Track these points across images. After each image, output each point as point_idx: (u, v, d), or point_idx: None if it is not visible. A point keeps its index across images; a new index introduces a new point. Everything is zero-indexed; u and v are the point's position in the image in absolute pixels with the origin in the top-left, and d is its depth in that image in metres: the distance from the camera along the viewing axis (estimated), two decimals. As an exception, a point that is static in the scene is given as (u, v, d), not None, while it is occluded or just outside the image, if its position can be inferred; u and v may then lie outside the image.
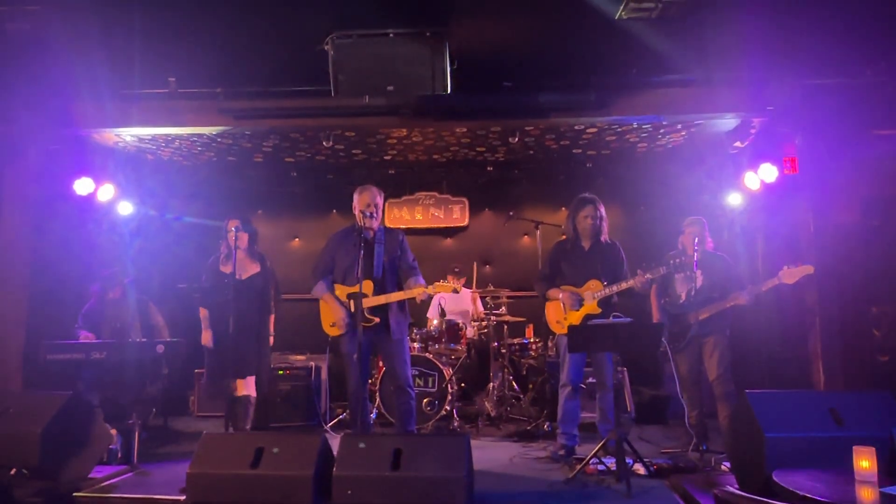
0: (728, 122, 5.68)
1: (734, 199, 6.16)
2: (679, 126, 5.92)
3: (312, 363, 6.16)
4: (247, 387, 4.71)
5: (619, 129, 6.08)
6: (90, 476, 3.93)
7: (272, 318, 5.06)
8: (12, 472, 3.74)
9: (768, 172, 5.43)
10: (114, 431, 4.37)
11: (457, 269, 6.73)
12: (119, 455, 4.39)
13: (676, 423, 5.59)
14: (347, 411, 5.46)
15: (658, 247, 5.41)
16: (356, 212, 4.41)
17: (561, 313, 4.71)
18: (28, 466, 3.72)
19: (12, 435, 3.72)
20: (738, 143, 5.84)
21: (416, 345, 6.02)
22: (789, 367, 5.54)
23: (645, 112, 5.46)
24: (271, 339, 5.06)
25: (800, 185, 5.38)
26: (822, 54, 5.02)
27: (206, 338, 4.83)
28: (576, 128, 6.04)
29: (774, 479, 2.70)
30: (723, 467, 4.16)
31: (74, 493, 3.66)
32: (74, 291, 5.73)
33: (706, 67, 5.14)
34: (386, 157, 7.13)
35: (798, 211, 5.48)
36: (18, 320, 5.37)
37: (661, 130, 6.09)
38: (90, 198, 5.92)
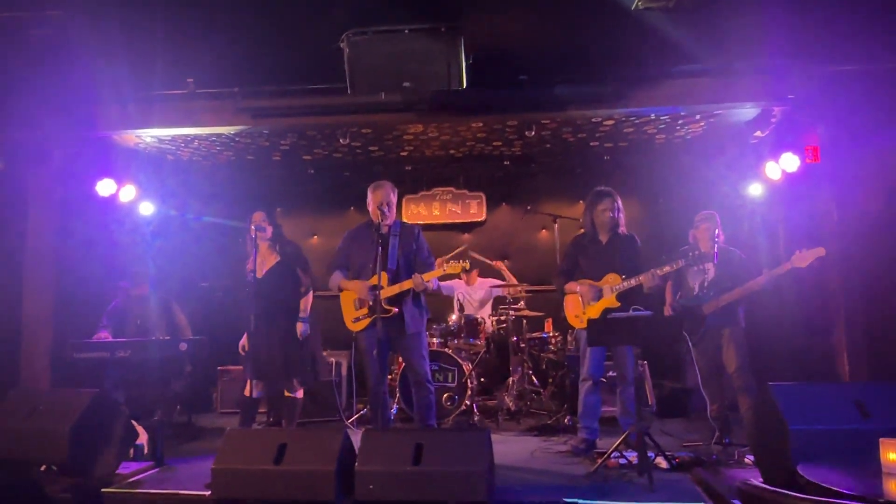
0: (748, 111, 5.60)
1: (755, 190, 6.08)
2: (698, 117, 5.86)
3: (333, 359, 6.20)
4: (292, 388, 4.69)
5: (636, 121, 6.03)
6: (117, 472, 3.99)
7: (306, 299, 4.71)
8: (42, 468, 3.82)
9: (790, 162, 5.34)
10: (140, 428, 4.43)
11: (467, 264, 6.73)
12: (145, 451, 4.45)
13: (698, 417, 5.54)
14: (368, 407, 5.50)
15: (676, 239, 5.36)
16: (371, 208, 4.43)
17: (580, 307, 4.69)
18: (57, 463, 3.79)
19: (42, 432, 3.79)
20: (758, 133, 5.77)
21: (435, 340, 6.03)
22: (813, 359, 5.47)
23: (663, 103, 5.40)
24: (304, 325, 4.61)
25: (822, 175, 5.29)
26: (844, 40, 4.93)
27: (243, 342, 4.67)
28: (593, 120, 6.00)
29: (800, 472, 2.68)
30: (746, 461, 4.12)
31: (103, 489, 3.73)
32: (99, 291, 5.81)
33: (725, 56, 5.06)
34: (402, 154, 7.14)
35: (821, 201, 5.40)
36: (46, 320, 5.48)
37: (680, 121, 6.03)
38: (112, 198, 6.00)
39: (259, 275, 4.63)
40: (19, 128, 5.47)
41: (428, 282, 4.32)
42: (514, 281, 6.62)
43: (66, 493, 3.54)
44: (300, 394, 4.72)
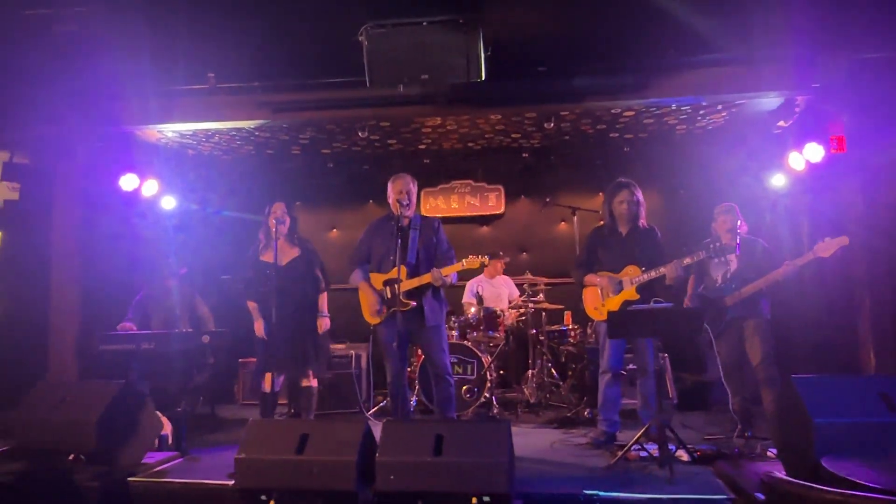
0: (771, 100, 5.52)
1: (777, 181, 5.99)
2: (719, 106, 5.79)
3: (353, 352, 6.25)
4: (309, 378, 4.77)
5: (657, 112, 5.97)
6: (143, 461, 4.07)
7: (324, 297, 4.89)
8: (71, 457, 3.90)
9: (814, 152, 5.26)
10: (164, 419, 4.50)
11: (500, 253, 6.76)
12: (169, 441, 4.53)
13: (720, 410, 5.52)
14: (388, 399, 5.53)
15: (698, 231, 5.31)
16: (391, 200, 4.45)
17: (599, 300, 4.67)
18: (85, 452, 3.87)
19: (70, 422, 3.87)
20: (781, 123, 5.68)
21: (454, 333, 6.05)
22: (837, 352, 5.40)
23: (684, 93, 5.34)
24: (327, 321, 4.84)
25: (847, 165, 5.20)
26: (869, 27, 4.83)
27: (260, 328, 4.74)
28: (612, 111, 5.96)
29: (824, 465, 2.65)
30: (769, 454, 4.08)
31: (129, 478, 3.80)
32: (123, 284, 5.90)
33: (748, 45, 4.98)
34: (421, 147, 7.14)
35: (846, 191, 5.31)
36: (73, 312, 5.58)
37: (701, 111, 5.96)
38: (135, 193, 6.08)
39: (280, 263, 4.69)
40: (44, 123, 5.56)
41: (447, 276, 4.33)
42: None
43: (94, 482, 3.61)
44: (315, 383, 4.81)
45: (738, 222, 4.67)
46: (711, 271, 4.83)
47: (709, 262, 4.76)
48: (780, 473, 3.17)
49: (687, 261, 4.44)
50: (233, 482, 3.39)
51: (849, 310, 5.30)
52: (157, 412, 4.41)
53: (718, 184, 6.41)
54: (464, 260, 4.37)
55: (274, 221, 4.66)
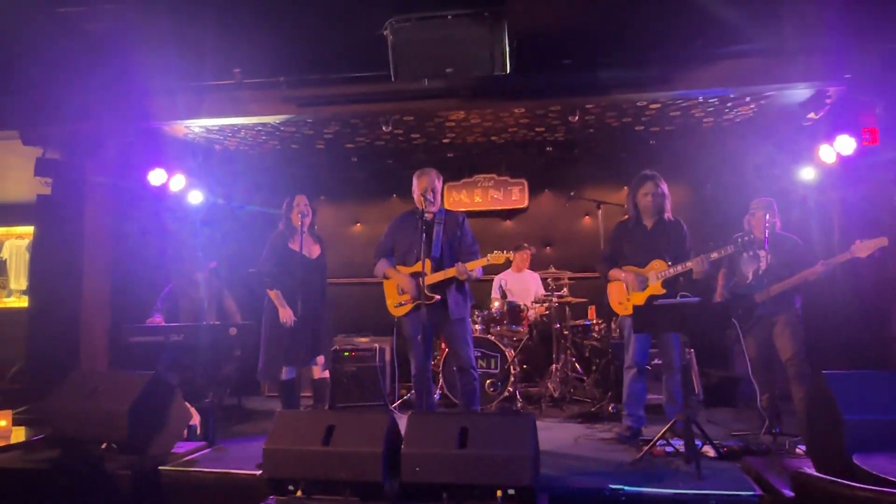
0: (801, 92, 5.41)
1: (807, 174, 5.89)
2: (748, 98, 5.70)
3: (377, 345, 6.29)
4: (320, 369, 4.84)
5: (683, 104, 5.90)
6: (173, 451, 4.15)
7: None
8: (103, 446, 3.99)
9: (845, 144, 5.15)
10: (192, 410, 4.58)
11: (525, 245, 6.75)
12: (198, 432, 4.60)
13: (747, 406, 5.49)
14: (412, 391, 5.57)
15: (725, 226, 5.26)
16: (416, 195, 4.47)
17: (624, 294, 4.64)
18: (117, 441, 3.96)
19: (102, 412, 3.96)
20: (811, 115, 5.57)
21: (477, 327, 6.06)
22: (869, 348, 5.30)
23: (711, 85, 5.26)
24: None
25: (881, 157, 5.09)
26: (905, 15, 4.71)
27: (286, 315, 4.63)
28: (638, 104, 5.90)
29: (855, 462, 2.61)
30: (797, 451, 4.03)
31: (160, 467, 3.88)
32: (152, 276, 6.01)
33: (777, 34, 4.88)
34: (444, 141, 7.14)
35: (879, 184, 5.20)
36: (104, 304, 5.70)
37: (729, 104, 5.88)
38: (163, 188, 6.18)
39: (310, 256, 4.78)
40: (76, 120, 5.67)
41: (472, 270, 4.34)
42: None
43: (126, 471, 3.69)
44: (327, 374, 4.91)
45: (768, 216, 4.58)
46: (742, 267, 4.78)
47: (739, 257, 4.71)
48: (810, 470, 3.14)
49: (714, 255, 4.39)
50: (261, 472, 3.45)
51: (881, 305, 5.20)
52: (186, 403, 4.48)
53: (746, 177, 6.33)
54: (489, 255, 4.38)
55: (299, 215, 4.70)
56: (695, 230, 4.77)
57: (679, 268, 4.43)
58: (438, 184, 4.50)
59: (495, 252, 4.39)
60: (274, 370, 4.67)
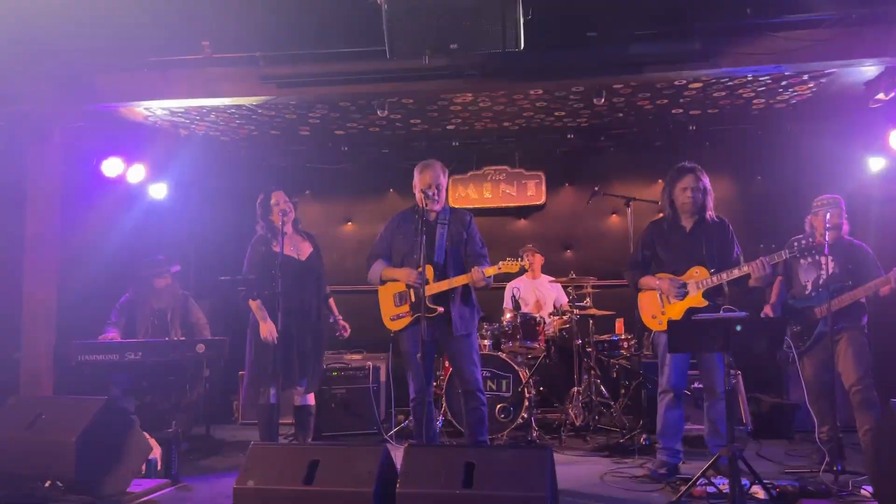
0: (868, 69, 5.39)
1: (875, 164, 5.88)
2: (805, 77, 5.68)
3: (370, 363, 6.29)
4: (303, 395, 4.83)
5: (729, 83, 5.89)
6: (129, 490, 4.12)
7: (332, 301, 5.17)
8: (47, 484, 3.97)
9: (920, 130, 5.13)
10: (153, 441, 4.56)
11: (530, 245, 6.73)
12: (158, 467, 4.59)
13: (803, 439, 5.49)
14: (410, 418, 5.55)
15: (778, 226, 5.25)
16: (417, 192, 4.45)
17: (657, 306, 4.62)
18: (63, 479, 3.93)
19: (46, 444, 3.94)
20: (880, 96, 5.53)
21: (486, 342, 6.04)
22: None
23: (762, 61, 5.20)
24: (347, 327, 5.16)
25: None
26: None
27: (268, 330, 4.60)
28: (676, 83, 5.89)
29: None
30: (863, 492, 4.00)
31: (113, 509, 3.86)
32: (106, 284, 5.99)
33: (840, 2, 4.86)
34: (449, 127, 7.14)
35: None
36: (48, 317, 5.65)
37: (783, 83, 5.86)
38: (120, 179, 6.18)
39: (297, 257, 4.79)
40: (14, 101, 5.64)
41: (490, 277, 4.34)
42: None
43: (74, 513, 3.67)
44: (312, 401, 4.90)
45: (829, 216, 4.54)
46: (801, 275, 4.76)
47: (797, 264, 4.69)
48: (879, 516, 3.11)
49: (775, 258, 4.36)
50: (231, 515, 3.42)
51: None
52: (145, 433, 4.46)
53: (803, 169, 6.35)
54: (500, 263, 4.36)
55: (280, 214, 4.68)
56: (742, 232, 4.74)
57: (724, 276, 4.39)
58: (444, 179, 4.50)
59: (508, 259, 4.37)
60: (253, 393, 4.66)
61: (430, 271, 4.34)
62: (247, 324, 4.87)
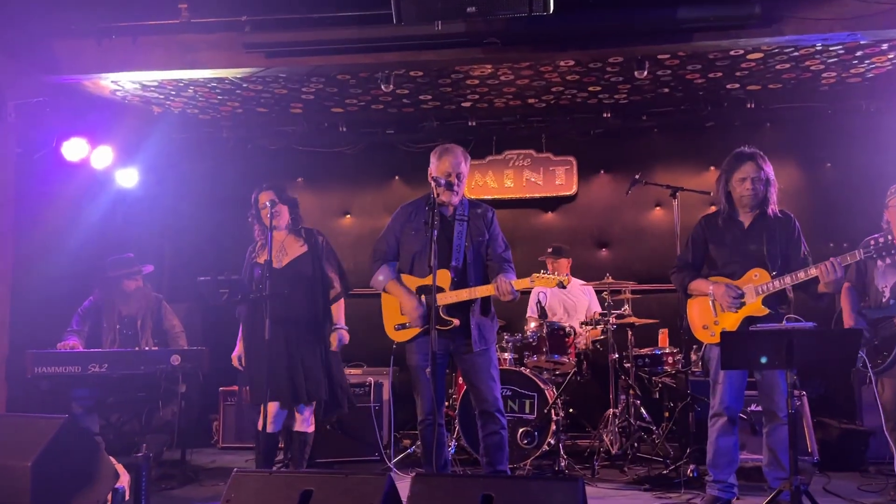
0: (959, 38, 5.38)
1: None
2: (884, 46, 5.69)
3: (371, 379, 6.30)
4: (304, 420, 4.85)
5: (794, 54, 5.89)
6: (92, 523, 4.15)
7: (340, 305, 5.05)
8: (-2, 515, 4.00)
9: None
10: (120, 467, 4.58)
11: (552, 248, 6.70)
12: (126, 497, 4.61)
13: (879, 472, 5.47)
14: (417, 443, 5.54)
15: (851, 221, 5.22)
16: (431, 179, 4.42)
17: (710, 315, 4.60)
18: (17, 509, 3.96)
19: (-3, 468, 3.97)
20: (974, 69, 5.52)
21: (507, 356, 6.03)
22: None
23: (834, 28, 5.22)
24: (345, 333, 5.02)
25: None
26: None
27: (237, 350, 4.94)
28: (732, 53, 5.89)
29: None
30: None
31: (73, 545, 3.88)
32: (67, 286, 6.02)
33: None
34: (464, 105, 7.15)
35: None
36: (1, 323, 5.71)
37: (858, 53, 5.87)
38: (83, 164, 6.20)
39: (278, 265, 4.76)
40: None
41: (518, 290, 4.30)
42: None
43: (28, 548, 3.69)
44: (312, 428, 4.92)
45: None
46: (877, 280, 4.74)
47: (872, 267, 4.67)
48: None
49: (847, 259, 4.33)
50: (209, 554, 3.44)
51: None
52: (111, 458, 4.48)
53: (881, 155, 6.30)
54: (534, 275, 4.34)
55: (268, 214, 4.66)
56: (808, 228, 4.75)
57: (788, 279, 4.37)
58: (465, 167, 4.49)
59: (543, 273, 4.33)
60: (259, 396, 4.68)
61: (446, 277, 4.33)
62: (232, 332, 4.91)
